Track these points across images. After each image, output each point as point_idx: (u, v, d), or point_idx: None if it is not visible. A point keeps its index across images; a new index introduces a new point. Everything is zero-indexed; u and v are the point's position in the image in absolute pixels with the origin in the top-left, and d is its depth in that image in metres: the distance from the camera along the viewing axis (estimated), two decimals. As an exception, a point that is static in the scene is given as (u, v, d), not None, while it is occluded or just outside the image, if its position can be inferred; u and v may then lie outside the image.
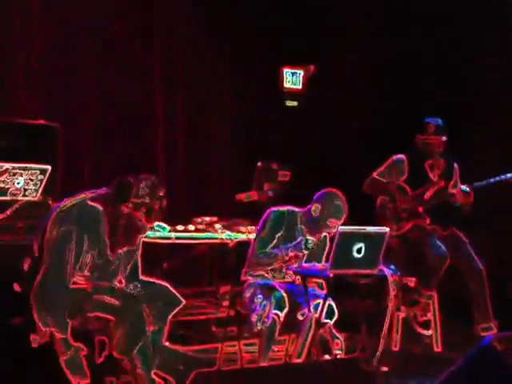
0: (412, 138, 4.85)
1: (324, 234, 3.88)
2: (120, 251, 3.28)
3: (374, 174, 4.82)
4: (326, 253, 3.98)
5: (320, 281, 3.86)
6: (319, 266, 3.82)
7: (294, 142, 6.55)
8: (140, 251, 3.43)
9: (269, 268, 3.87)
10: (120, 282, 3.35)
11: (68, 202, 3.24)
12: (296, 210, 3.95)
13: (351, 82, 6.45)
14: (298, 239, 3.81)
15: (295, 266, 3.83)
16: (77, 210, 3.19)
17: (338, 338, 3.76)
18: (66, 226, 3.14)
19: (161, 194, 3.26)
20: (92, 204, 3.21)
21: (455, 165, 4.89)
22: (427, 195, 4.77)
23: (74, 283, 3.20)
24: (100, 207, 3.21)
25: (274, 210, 3.93)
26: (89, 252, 3.17)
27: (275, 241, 3.85)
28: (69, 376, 3.12)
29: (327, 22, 6.54)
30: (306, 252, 3.81)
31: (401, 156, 4.82)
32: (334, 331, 3.76)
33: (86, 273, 3.21)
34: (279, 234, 3.86)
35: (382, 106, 6.19)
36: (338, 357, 3.70)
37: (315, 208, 3.85)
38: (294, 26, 6.49)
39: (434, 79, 5.87)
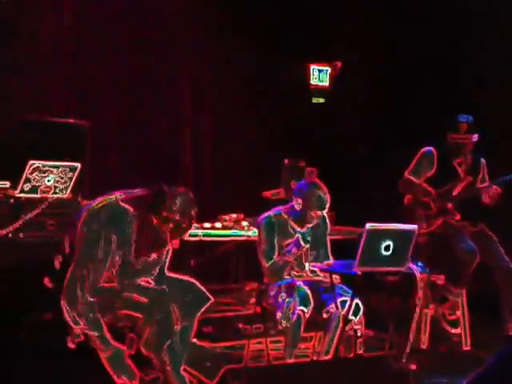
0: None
1: (315, 220, 3.88)
2: (145, 258, 3.27)
3: (406, 174, 4.79)
4: (328, 236, 4.03)
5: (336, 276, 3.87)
6: (329, 262, 3.86)
7: (321, 140, 6.54)
8: (170, 255, 3.41)
9: (285, 271, 3.89)
10: (148, 282, 3.35)
11: (100, 201, 3.23)
12: (281, 208, 3.99)
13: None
14: (295, 237, 3.84)
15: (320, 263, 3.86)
16: (108, 209, 3.18)
17: (355, 319, 3.75)
18: (96, 225, 3.14)
19: (192, 213, 3.19)
20: (124, 205, 3.20)
21: (482, 160, 4.84)
22: (456, 191, 4.73)
23: (107, 282, 3.21)
24: (132, 210, 3.19)
25: (263, 218, 3.97)
26: (116, 252, 3.18)
27: (277, 246, 3.88)
28: (113, 375, 3.09)
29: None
30: (307, 246, 3.84)
31: (430, 148, 4.78)
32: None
33: (116, 271, 3.22)
34: (275, 239, 3.89)
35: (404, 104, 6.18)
36: (358, 333, 3.71)
37: (297, 203, 3.89)
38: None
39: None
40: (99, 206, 3.21)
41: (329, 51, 6.68)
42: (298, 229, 3.91)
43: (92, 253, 3.13)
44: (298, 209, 3.90)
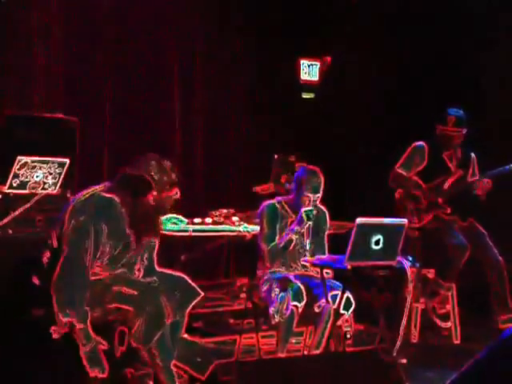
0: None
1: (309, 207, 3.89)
2: (146, 240, 3.30)
3: (396, 168, 4.80)
4: (327, 231, 4.05)
5: (328, 270, 3.88)
6: (326, 257, 3.87)
7: (311, 135, 6.55)
8: (158, 242, 3.43)
9: (286, 253, 3.90)
10: (139, 270, 3.36)
11: (84, 194, 3.26)
12: (284, 198, 4.04)
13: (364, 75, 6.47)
14: (299, 215, 3.86)
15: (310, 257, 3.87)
16: (94, 200, 3.21)
17: (347, 314, 3.77)
18: (83, 216, 3.16)
19: (167, 163, 3.25)
20: (107, 195, 3.23)
21: (472, 155, 4.86)
22: (446, 185, 4.74)
23: (95, 274, 3.22)
24: (116, 198, 3.22)
25: (265, 204, 4.00)
26: (107, 242, 3.19)
27: (278, 232, 3.90)
28: (87, 368, 3.11)
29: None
30: (310, 223, 3.86)
31: (421, 143, 4.81)
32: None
33: (105, 261, 3.23)
34: (277, 225, 3.91)
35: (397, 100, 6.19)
36: (347, 334, 3.73)
37: (292, 187, 3.95)
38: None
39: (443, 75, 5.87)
40: (84, 197, 3.23)
41: (318, 46, 6.68)
42: (292, 214, 3.92)
43: (81, 244, 3.13)
44: (292, 193, 3.95)
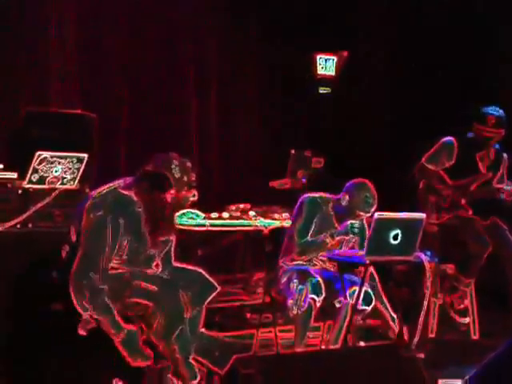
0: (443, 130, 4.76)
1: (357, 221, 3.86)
2: (161, 239, 3.31)
3: (423, 160, 4.66)
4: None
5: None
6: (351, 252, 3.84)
7: (326, 130, 6.54)
8: (174, 240, 3.45)
9: (315, 255, 3.87)
10: (157, 266, 3.37)
11: (102, 189, 3.28)
12: (328, 196, 3.96)
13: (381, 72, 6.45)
14: (344, 224, 3.80)
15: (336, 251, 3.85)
16: (111, 196, 3.23)
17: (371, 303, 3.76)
18: (102, 211, 3.18)
19: (188, 164, 3.28)
20: (125, 192, 3.25)
21: (505, 156, 4.67)
22: (472, 187, 4.60)
23: (114, 269, 3.23)
24: (134, 196, 3.23)
25: (307, 197, 3.93)
26: (125, 236, 3.20)
27: (313, 227, 3.86)
28: (127, 358, 3.12)
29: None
30: (351, 236, 3.81)
31: (451, 138, 4.61)
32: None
33: (124, 256, 3.24)
34: (315, 220, 3.86)
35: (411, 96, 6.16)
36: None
37: (344, 198, 3.85)
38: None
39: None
40: (102, 193, 3.26)
41: (335, 40, 6.65)
42: (337, 224, 3.87)
43: (99, 239, 3.16)
44: (343, 204, 3.86)
